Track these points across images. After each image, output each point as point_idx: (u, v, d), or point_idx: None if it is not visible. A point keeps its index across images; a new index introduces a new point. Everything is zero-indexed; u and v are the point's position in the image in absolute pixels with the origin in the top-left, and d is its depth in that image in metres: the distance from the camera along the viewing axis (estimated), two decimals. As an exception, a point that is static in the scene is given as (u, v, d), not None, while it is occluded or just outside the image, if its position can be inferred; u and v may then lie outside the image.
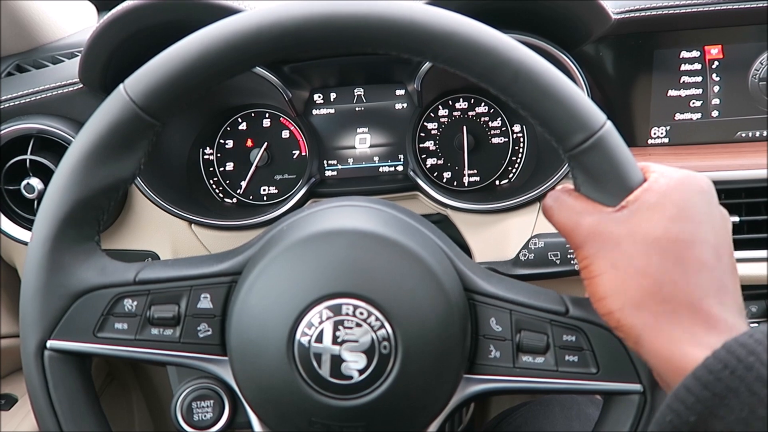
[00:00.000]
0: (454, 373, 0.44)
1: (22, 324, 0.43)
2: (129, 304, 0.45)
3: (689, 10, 0.69)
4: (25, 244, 0.74)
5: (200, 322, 0.45)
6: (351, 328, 0.41)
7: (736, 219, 0.71)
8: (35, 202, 0.73)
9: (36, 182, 0.71)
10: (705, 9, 0.69)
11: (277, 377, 0.42)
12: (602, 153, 0.40)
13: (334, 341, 0.41)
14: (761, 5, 0.69)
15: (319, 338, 0.41)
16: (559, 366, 0.45)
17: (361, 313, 0.41)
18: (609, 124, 0.40)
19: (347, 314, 0.41)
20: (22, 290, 0.43)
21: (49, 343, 0.43)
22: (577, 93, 0.40)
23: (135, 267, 0.46)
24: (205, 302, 0.45)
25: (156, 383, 1.12)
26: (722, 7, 0.69)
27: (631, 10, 0.69)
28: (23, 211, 0.74)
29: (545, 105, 0.39)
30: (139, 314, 0.45)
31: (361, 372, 0.41)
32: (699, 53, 0.74)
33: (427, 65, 0.70)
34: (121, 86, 0.41)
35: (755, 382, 0.27)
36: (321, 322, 0.41)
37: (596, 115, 0.40)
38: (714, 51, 0.74)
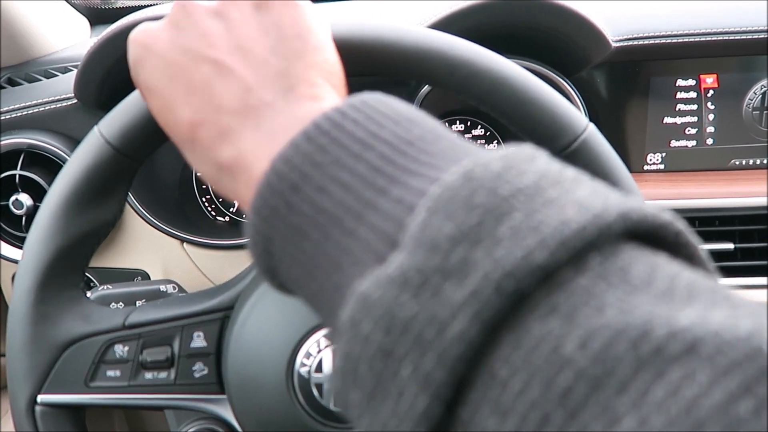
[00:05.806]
0: None
1: (10, 380, 0.41)
2: (120, 349, 0.43)
3: (686, 40, 0.70)
4: (12, 261, 0.72)
5: (195, 361, 0.44)
6: None
7: (731, 246, 0.72)
8: (23, 219, 0.71)
9: (25, 198, 0.69)
10: (701, 39, 0.70)
11: (279, 411, 0.41)
12: None
13: None
14: (755, 37, 0.70)
15: (319, 367, 0.40)
16: None
17: None
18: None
19: None
20: (7, 345, 0.41)
21: (40, 398, 0.41)
22: (559, 98, 0.39)
23: (123, 312, 0.44)
24: (198, 341, 0.44)
25: (143, 414, 1.09)
26: (718, 38, 0.70)
27: (630, 38, 0.70)
28: (11, 228, 0.72)
29: (529, 110, 0.39)
30: (131, 359, 0.43)
31: None
32: (695, 82, 0.75)
33: (426, 87, 0.70)
34: (95, 128, 0.40)
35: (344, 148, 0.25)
36: (320, 351, 0.40)
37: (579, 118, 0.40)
38: (709, 80, 0.74)
